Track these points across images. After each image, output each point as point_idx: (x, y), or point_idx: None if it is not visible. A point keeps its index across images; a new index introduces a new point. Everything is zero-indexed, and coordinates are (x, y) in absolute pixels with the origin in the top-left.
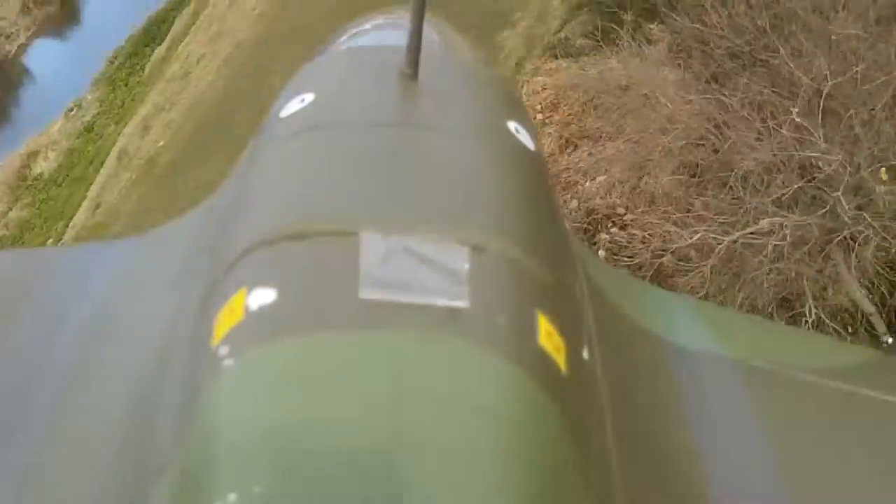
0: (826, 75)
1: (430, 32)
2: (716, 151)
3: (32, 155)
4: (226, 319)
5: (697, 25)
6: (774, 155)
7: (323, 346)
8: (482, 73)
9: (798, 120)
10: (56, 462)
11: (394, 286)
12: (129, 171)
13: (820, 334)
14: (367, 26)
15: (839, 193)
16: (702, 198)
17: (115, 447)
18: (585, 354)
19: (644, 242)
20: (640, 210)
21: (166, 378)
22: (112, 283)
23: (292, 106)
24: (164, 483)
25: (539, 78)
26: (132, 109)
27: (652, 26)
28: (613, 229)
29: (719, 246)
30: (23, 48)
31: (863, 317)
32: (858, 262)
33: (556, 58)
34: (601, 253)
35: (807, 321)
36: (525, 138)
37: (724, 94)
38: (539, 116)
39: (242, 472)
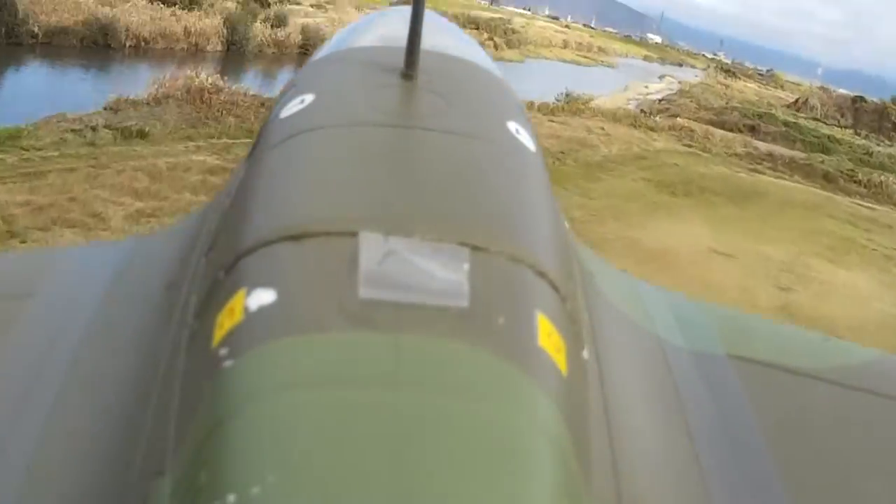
0: None
1: (429, 32)
2: None
3: None
4: (225, 321)
5: None
6: None
7: (322, 347)
8: (482, 73)
9: None
10: (54, 464)
11: (393, 287)
12: None
13: (822, 334)
14: (367, 26)
15: None
16: None
17: (114, 450)
18: (586, 354)
19: None
20: None
21: (165, 380)
22: (112, 284)
23: (292, 107)
24: (162, 485)
25: None
26: None
27: None
28: None
29: None
30: None
31: None
32: None
33: None
34: None
35: None
36: (525, 138)
37: None
38: None
39: (242, 473)
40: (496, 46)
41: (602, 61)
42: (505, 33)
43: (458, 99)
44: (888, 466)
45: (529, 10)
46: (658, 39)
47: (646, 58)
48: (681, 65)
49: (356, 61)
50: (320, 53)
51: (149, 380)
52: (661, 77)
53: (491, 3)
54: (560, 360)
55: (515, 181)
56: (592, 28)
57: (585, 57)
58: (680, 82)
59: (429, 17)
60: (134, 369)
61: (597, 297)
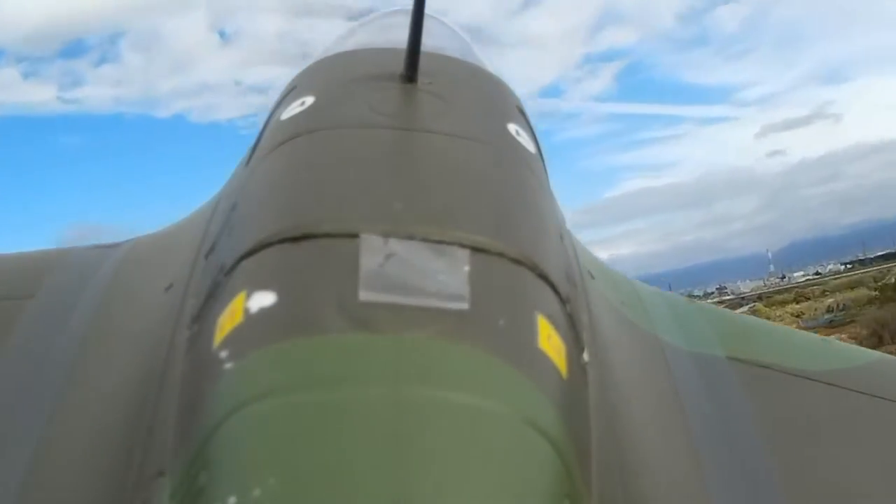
0: None
1: (430, 33)
2: None
3: None
4: (226, 322)
5: None
6: None
7: (323, 349)
8: (483, 75)
9: None
10: (54, 464)
11: (394, 288)
12: None
13: (822, 337)
14: (367, 28)
15: None
16: None
17: (114, 450)
18: (586, 357)
19: None
20: None
21: (166, 381)
22: (112, 284)
23: (293, 108)
24: (163, 486)
25: None
26: None
27: None
28: None
29: None
30: None
31: None
32: None
33: None
34: None
35: None
36: (525, 140)
37: None
38: None
39: (243, 475)
40: None
41: None
42: None
43: (458, 101)
44: (885, 467)
45: (818, 273)
46: None
47: None
48: None
49: (356, 63)
50: (320, 55)
51: (149, 381)
52: None
53: (781, 280)
54: (560, 362)
55: (516, 183)
56: None
57: None
58: None
59: (429, 19)
60: (134, 370)
61: (597, 299)
